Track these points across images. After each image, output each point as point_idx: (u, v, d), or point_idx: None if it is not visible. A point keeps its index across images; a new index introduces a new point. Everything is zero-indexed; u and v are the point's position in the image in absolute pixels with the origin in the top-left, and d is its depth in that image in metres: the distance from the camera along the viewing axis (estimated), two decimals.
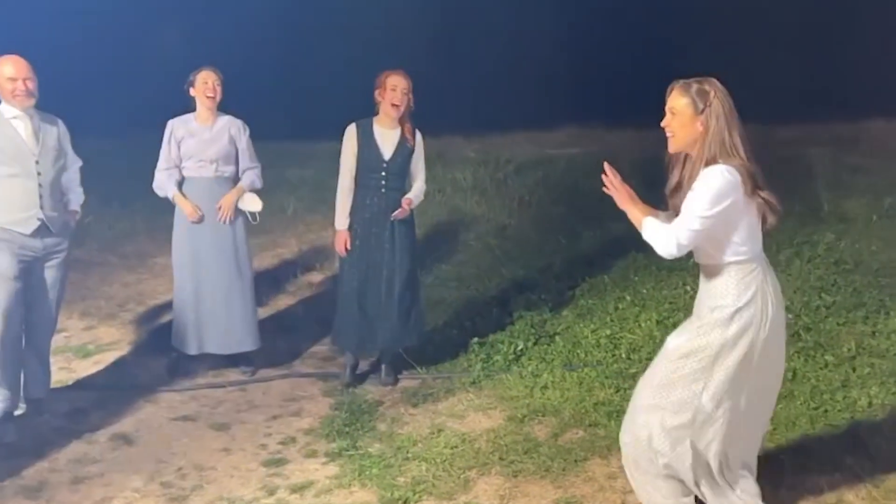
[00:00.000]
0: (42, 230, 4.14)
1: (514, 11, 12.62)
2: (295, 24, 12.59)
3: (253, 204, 4.76)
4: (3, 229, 4.07)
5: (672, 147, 2.94)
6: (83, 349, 5.28)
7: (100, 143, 9.14)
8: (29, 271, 4.16)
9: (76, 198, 4.44)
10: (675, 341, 3.02)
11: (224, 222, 4.69)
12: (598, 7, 12.63)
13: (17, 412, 4.27)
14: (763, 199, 2.87)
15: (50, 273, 4.24)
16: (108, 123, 9.55)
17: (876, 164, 7.42)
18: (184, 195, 4.69)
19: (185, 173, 4.71)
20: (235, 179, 4.80)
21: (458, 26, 12.87)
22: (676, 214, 2.96)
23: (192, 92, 4.70)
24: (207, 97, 4.66)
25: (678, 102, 2.89)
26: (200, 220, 4.66)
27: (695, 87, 2.87)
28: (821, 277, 5.35)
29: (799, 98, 9.37)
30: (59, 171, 4.25)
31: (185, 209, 4.66)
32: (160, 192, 4.75)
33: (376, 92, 4.50)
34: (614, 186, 2.95)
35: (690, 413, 2.95)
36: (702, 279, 3.05)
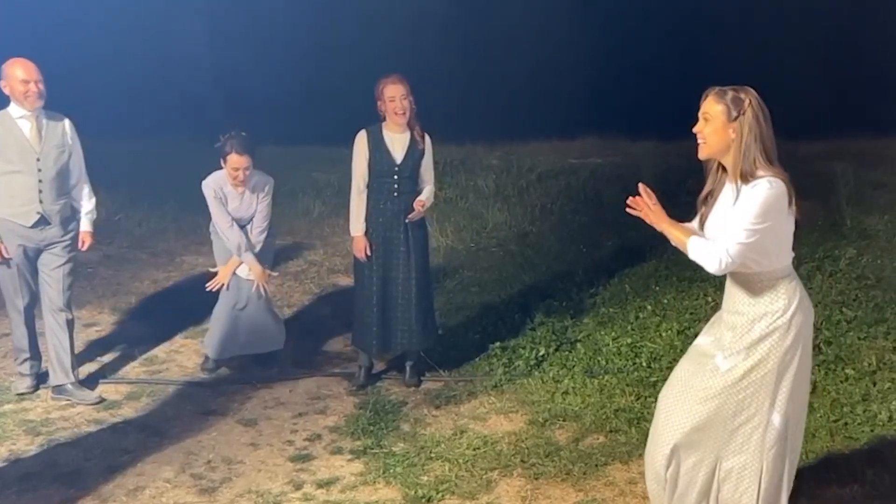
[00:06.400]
0: (42, 222, 4.39)
1: (539, 22, 12.73)
2: (323, 29, 12.76)
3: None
4: (6, 220, 4.35)
5: (702, 153, 2.91)
6: (113, 343, 5.39)
7: (130, 144, 9.35)
8: (32, 260, 4.45)
9: (89, 217, 4.60)
10: (726, 364, 2.92)
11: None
12: (622, 19, 12.71)
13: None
14: (797, 208, 2.86)
15: (52, 257, 4.45)
16: (138, 125, 9.74)
17: None
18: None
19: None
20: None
21: (482, 36, 12.98)
22: (702, 222, 2.96)
23: (222, 161, 4.68)
24: (235, 179, 4.68)
25: (713, 108, 2.85)
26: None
27: (730, 94, 2.84)
28: (842, 292, 5.39)
29: (823, 114, 9.39)
30: (61, 168, 4.43)
31: (222, 278, 4.81)
32: (235, 251, 4.78)
33: (378, 103, 4.55)
34: (649, 208, 2.90)
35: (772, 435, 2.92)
36: (738, 291, 2.96)
